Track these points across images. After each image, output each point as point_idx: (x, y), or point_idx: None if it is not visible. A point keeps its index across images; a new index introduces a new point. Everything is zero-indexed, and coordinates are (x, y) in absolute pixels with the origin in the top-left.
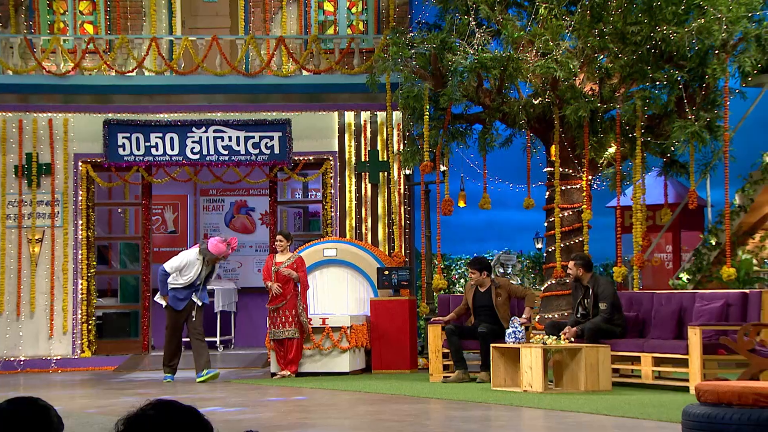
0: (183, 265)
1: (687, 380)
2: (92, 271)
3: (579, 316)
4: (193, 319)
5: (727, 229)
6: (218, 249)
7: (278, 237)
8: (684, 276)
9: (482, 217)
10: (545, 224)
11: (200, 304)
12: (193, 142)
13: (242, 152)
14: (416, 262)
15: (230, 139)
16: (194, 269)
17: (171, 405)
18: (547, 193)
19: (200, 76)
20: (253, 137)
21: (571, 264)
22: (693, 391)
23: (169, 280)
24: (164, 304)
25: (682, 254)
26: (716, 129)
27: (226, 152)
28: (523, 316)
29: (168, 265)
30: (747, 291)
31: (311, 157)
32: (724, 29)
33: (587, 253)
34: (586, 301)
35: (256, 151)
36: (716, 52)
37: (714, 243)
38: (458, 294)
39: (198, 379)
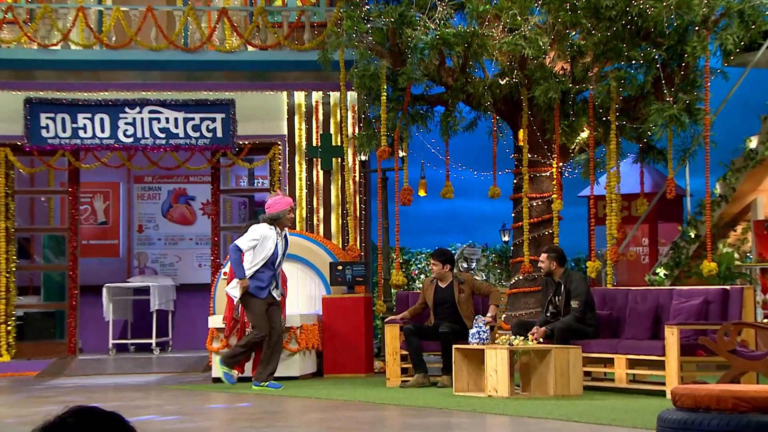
0: (259, 237)
1: (664, 384)
2: (12, 266)
3: (549, 315)
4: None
5: (708, 220)
6: (284, 202)
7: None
8: (661, 271)
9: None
10: (512, 215)
11: (279, 298)
12: (125, 123)
13: (181, 135)
14: (372, 256)
15: (167, 120)
16: (270, 241)
17: (93, 412)
18: (515, 181)
19: (133, 51)
20: (192, 119)
21: (543, 257)
22: (669, 395)
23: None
24: (238, 295)
25: (659, 248)
26: (696, 112)
27: (162, 135)
28: (488, 314)
29: (242, 241)
30: (728, 287)
31: (257, 141)
32: (705, 4)
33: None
34: (557, 298)
35: (197, 135)
36: (696, 28)
37: (693, 236)
38: (418, 291)
39: (256, 388)
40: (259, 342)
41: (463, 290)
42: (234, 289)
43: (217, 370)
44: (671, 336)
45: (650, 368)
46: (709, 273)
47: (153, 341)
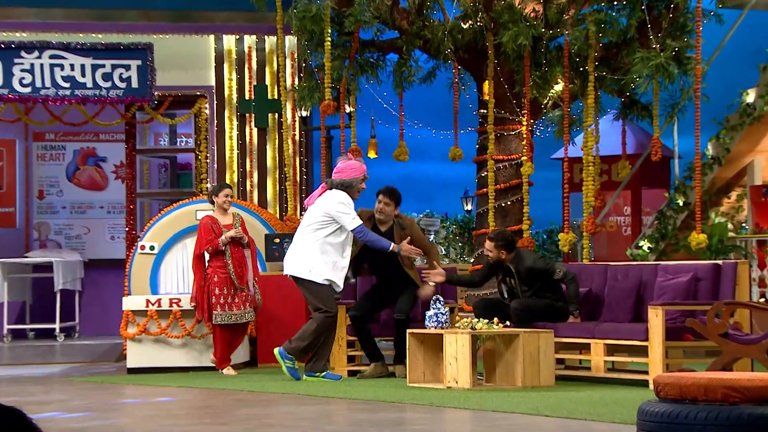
0: (351, 205)
1: (646, 372)
2: None
3: (506, 297)
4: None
5: (698, 186)
6: (358, 168)
7: (227, 191)
8: (645, 244)
9: (398, 171)
10: (476, 180)
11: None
12: (22, 70)
13: (89, 85)
14: None
15: (72, 67)
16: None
17: None
18: (479, 141)
19: None
20: (103, 66)
21: (489, 245)
22: (652, 385)
23: (332, 240)
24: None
25: (642, 217)
26: (686, 61)
27: (66, 85)
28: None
29: (353, 220)
30: (720, 262)
31: (180, 94)
32: None
33: (508, 231)
34: (510, 280)
35: (108, 84)
36: None
37: (681, 204)
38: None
39: (311, 378)
40: (332, 324)
41: (404, 237)
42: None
43: (280, 363)
44: (655, 318)
45: (631, 355)
46: (699, 246)
47: (56, 326)
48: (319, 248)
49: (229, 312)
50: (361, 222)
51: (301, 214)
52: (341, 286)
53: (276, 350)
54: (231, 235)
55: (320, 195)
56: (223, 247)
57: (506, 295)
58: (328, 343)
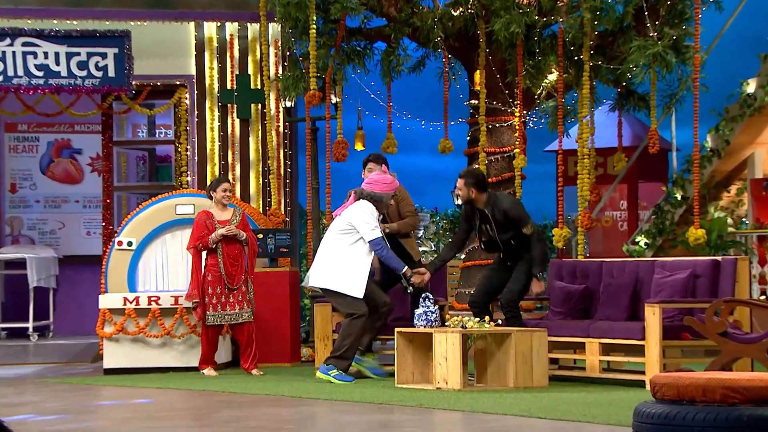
0: (377, 216)
1: (643, 372)
2: None
3: (485, 247)
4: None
5: (696, 179)
6: (390, 184)
7: (225, 185)
8: (641, 240)
9: None
10: None
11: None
12: None
13: (63, 74)
14: (300, 222)
15: (46, 55)
16: None
17: None
18: (470, 132)
19: None
20: (78, 54)
21: (459, 182)
22: (649, 385)
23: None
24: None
25: (639, 212)
26: (684, 50)
27: (40, 73)
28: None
29: (375, 230)
30: (719, 258)
31: (159, 83)
32: None
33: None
34: (487, 227)
35: (83, 73)
36: None
37: (679, 198)
38: None
39: (324, 376)
40: (363, 322)
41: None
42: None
43: (327, 378)
44: (652, 316)
45: (627, 354)
46: (697, 242)
47: (30, 325)
48: (345, 257)
49: (222, 312)
50: (381, 235)
51: (286, 211)
52: (362, 291)
53: (318, 372)
54: (221, 233)
55: (349, 205)
56: (213, 245)
57: (485, 246)
58: (355, 345)
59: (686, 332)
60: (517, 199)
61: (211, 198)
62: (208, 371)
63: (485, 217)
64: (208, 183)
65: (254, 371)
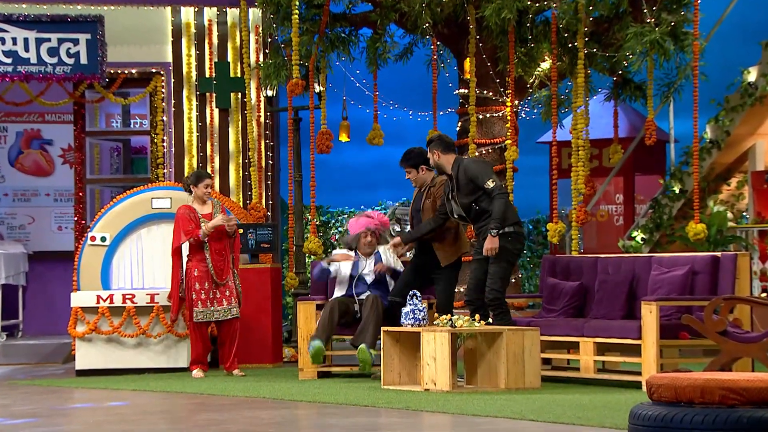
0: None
1: (639, 373)
2: None
3: (455, 216)
4: None
5: (695, 172)
6: (357, 224)
7: (207, 181)
8: (638, 235)
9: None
10: None
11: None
12: None
13: (33, 61)
14: (282, 217)
15: (14, 41)
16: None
17: None
18: (459, 123)
19: None
20: (48, 40)
21: (429, 153)
22: (645, 386)
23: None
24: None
25: (636, 206)
26: (683, 37)
27: (8, 60)
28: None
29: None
30: (718, 254)
31: (134, 71)
32: None
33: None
34: (453, 194)
35: (54, 60)
36: None
37: (678, 191)
38: None
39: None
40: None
41: (430, 196)
42: None
43: (367, 362)
44: (649, 314)
45: (623, 354)
46: (696, 237)
47: None
48: None
49: (210, 308)
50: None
51: (267, 205)
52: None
53: (363, 348)
54: (216, 223)
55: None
56: (205, 239)
57: (455, 215)
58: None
59: (684, 331)
60: (484, 160)
61: (189, 192)
62: (196, 372)
63: (452, 183)
64: (186, 175)
65: (236, 371)
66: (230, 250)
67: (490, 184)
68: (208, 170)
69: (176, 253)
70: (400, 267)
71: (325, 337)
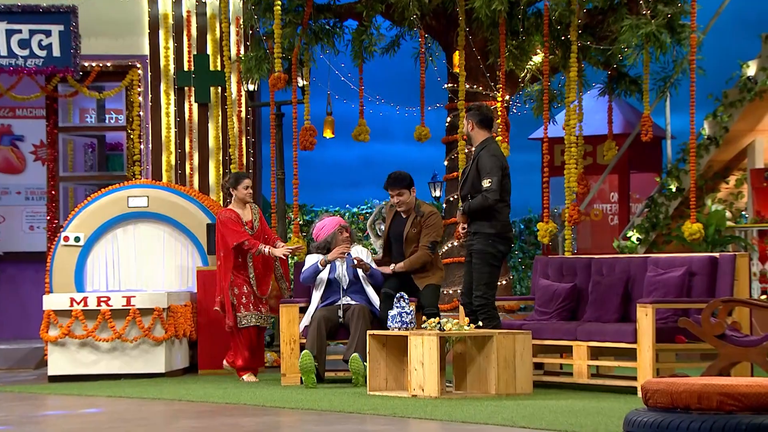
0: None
1: (635, 378)
2: None
3: (468, 195)
4: None
5: (692, 170)
6: (329, 224)
7: (246, 182)
8: (633, 235)
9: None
10: (445, 163)
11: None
12: None
13: (3, 53)
14: (264, 216)
15: None
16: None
17: None
18: (449, 119)
19: None
20: (19, 31)
21: (465, 119)
22: (641, 392)
23: None
24: None
25: (631, 205)
26: (680, 29)
27: None
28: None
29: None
30: (716, 255)
31: (109, 64)
32: None
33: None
34: (467, 172)
35: (25, 53)
36: None
37: (674, 189)
38: None
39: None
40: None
41: (417, 224)
42: None
43: (360, 373)
44: (644, 317)
45: (618, 359)
46: (693, 237)
47: None
48: None
49: (255, 312)
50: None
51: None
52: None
53: (356, 357)
54: (281, 253)
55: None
56: (257, 254)
57: (462, 198)
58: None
59: (681, 335)
60: (501, 155)
61: (229, 195)
62: (248, 377)
63: (471, 164)
64: (224, 179)
65: (249, 375)
66: (275, 267)
67: (486, 184)
68: (186, 168)
69: (228, 256)
70: (373, 264)
71: (316, 352)
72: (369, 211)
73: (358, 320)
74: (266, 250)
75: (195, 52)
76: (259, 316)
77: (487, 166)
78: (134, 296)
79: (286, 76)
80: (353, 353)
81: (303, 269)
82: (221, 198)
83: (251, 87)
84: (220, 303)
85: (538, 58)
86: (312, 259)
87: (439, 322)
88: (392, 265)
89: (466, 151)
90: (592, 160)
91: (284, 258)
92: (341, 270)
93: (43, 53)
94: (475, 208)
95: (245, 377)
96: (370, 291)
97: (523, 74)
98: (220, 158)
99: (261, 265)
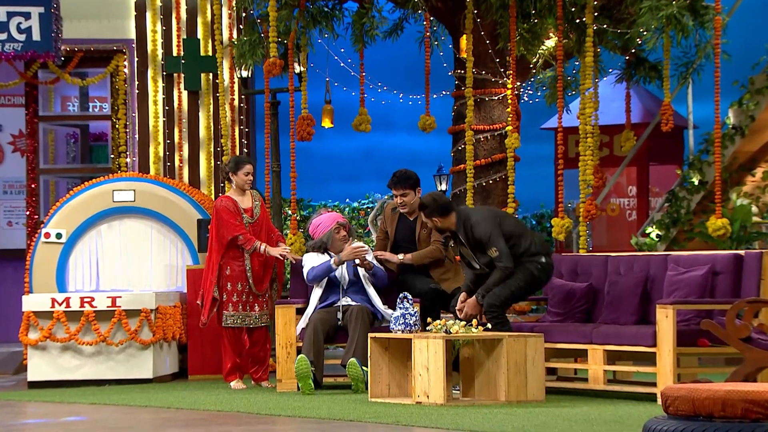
0: None
1: (654, 384)
2: None
3: (478, 268)
4: None
5: (717, 161)
6: (328, 219)
7: (248, 167)
8: (653, 231)
9: (358, 144)
10: (451, 154)
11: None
12: None
13: None
14: None
15: None
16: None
17: None
18: (455, 107)
19: None
20: None
21: (423, 218)
22: (660, 399)
23: None
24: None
25: (650, 199)
26: (703, 11)
27: None
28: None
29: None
30: (742, 252)
31: (93, 48)
32: None
33: (441, 192)
34: (465, 250)
35: (3, 37)
36: None
37: (697, 182)
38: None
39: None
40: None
41: (425, 226)
42: None
43: (359, 379)
44: (665, 319)
45: (636, 363)
46: (718, 233)
47: None
48: None
49: (242, 312)
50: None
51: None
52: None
53: (354, 362)
54: (278, 252)
55: None
56: (253, 251)
57: (478, 267)
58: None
59: (704, 338)
60: (490, 211)
61: (228, 181)
62: (235, 384)
63: (458, 239)
64: (224, 162)
65: (264, 383)
66: (274, 263)
67: (494, 252)
68: (176, 159)
69: (218, 250)
70: (375, 262)
71: (313, 356)
72: (370, 205)
73: (357, 322)
74: (262, 248)
75: (184, 36)
76: (249, 317)
77: (482, 234)
78: (120, 297)
79: (282, 62)
80: (351, 358)
81: (309, 268)
82: (212, 192)
83: (245, 73)
84: (201, 296)
85: (551, 43)
86: (311, 259)
87: (444, 325)
88: (401, 255)
89: (474, 141)
90: (609, 151)
91: (281, 258)
92: (342, 268)
93: (22, 37)
94: (497, 283)
95: (233, 384)
96: (371, 291)
97: (535, 60)
98: (212, 149)
99: (258, 264)
